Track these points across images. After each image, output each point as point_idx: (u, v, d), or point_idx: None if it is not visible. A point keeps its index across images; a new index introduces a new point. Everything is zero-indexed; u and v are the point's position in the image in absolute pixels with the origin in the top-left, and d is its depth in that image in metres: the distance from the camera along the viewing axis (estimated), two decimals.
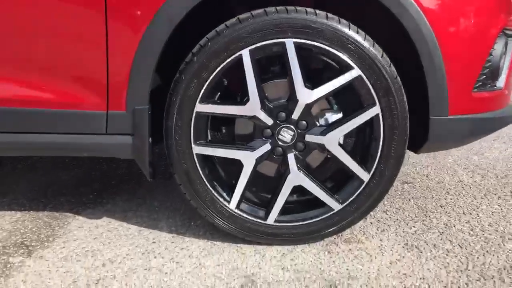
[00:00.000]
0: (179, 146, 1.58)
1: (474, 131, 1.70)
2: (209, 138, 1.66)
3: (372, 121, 1.56)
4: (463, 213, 1.93)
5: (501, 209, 1.96)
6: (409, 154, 2.54)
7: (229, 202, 1.62)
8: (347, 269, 1.52)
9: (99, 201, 2.08)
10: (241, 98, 1.69)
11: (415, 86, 1.60)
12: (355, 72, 1.52)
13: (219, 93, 1.63)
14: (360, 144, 1.69)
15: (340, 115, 1.64)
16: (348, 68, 1.52)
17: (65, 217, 1.91)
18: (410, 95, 1.59)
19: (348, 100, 1.62)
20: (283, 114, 1.58)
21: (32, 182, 2.30)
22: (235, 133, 1.70)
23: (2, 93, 1.55)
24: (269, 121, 1.57)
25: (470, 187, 2.21)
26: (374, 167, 1.58)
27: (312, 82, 1.56)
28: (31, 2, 1.50)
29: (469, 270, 1.51)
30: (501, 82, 1.75)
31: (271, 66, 1.76)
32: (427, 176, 2.37)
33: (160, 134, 1.63)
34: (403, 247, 1.65)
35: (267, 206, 1.64)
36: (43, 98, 1.55)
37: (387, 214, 1.92)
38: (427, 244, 1.66)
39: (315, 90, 1.54)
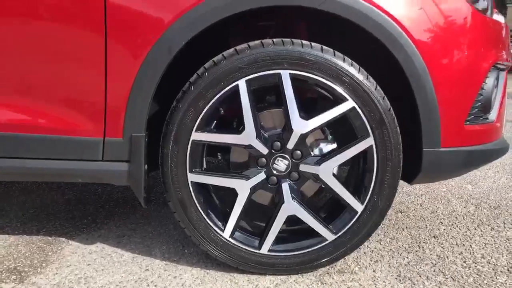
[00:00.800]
0: (174, 174, 1.59)
1: (467, 164, 1.72)
2: (205, 165, 1.67)
3: (366, 152, 1.58)
4: (456, 244, 1.93)
5: (494, 240, 1.97)
6: (403, 183, 2.55)
7: (223, 230, 1.62)
8: None
9: (93, 225, 2.08)
10: (237, 125, 1.71)
11: (408, 118, 1.62)
12: (349, 104, 1.54)
13: (215, 121, 1.65)
14: (354, 174, 1.70)
15: (334, 145, 1.66)
16: (343, 99, 1.54)
17: (59, 242, 1.90)
18: (403, 127, 1.61)
19: (343, 131, 1.64)
20: (278, 144, 1.60)
21: (26, 204, 2.29)
22: (231, 161, 1.71)
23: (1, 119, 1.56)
24: (264, 150, 1.59)
25: (463, 218, 2.22)
26: (368, 198, 1.60)
27: (307, 111, 1.58)
28: (27, 23, 1.51)
29: None
30: (493, 115, 1.78)
31: (267, 94, 1.79)
32: (421, 205, 2.38)
33: (155, 160, 1.64)
34: (396, 278, 1.65)
35: (261, 235, 1.64)
36: (40, 124, 1.56)
37: (380, 244, 1.92)
38: (420, 276, 1.67)
39: (310, 120, 1.56)
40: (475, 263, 1.77)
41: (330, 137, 1.68)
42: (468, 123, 1.66)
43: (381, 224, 2.05)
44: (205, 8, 1.49)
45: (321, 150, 1.65)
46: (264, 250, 1.63)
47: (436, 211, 2.31)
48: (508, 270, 1.71)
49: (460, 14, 1.61)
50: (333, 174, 1.60)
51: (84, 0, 1.48)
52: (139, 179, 1.60)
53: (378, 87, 1.56)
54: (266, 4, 1.50)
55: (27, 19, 1.51)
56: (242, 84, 1.54)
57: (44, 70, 1.53)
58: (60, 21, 1.51)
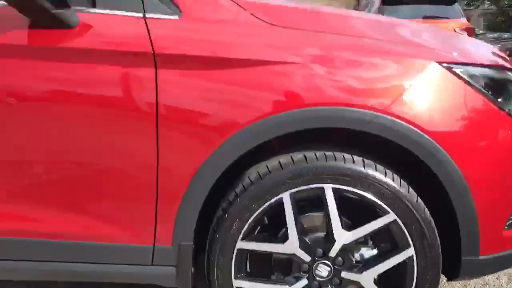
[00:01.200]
0: (220, 281, 1.66)
1: (505, 265, 1.76)
2: (248, 269, 1.73)
3: (406, 260, 1.63)
4: None
5: None
6: None
7: None
8: None
9: None
10: (279, 228, 1.75)
11: (447, 226, 1.66)
12: (391, 216, 1.59)
13: (258, 227, 1.71)
14: (394, 276, 1.75)
15: (375, 251, 1.70)
16: (384, 212, 1.59)
17: None
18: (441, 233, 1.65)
19: (384, 238, 1.68)
20: (320, 251, 1.65)
21: None
22: (273, 261, 1.75)
23: (57, 228, 1.65)
24: (307, 258, 1.64)
25: None
26: None
27: (348, 216, 1.64)
28: (89, 132, 1.60)
29: None
30: None
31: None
32: None
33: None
34: None
35: None
36: (98, 233, 1.64)
37: None
38: None
39: (352, 232, 1.61)
40: None
41: (370, 242, 1.73)
42: (506, 228, 1.70)
43: None
44: (257, 129, 1.56)
45: (362, 255, 1.70)
46: None
47: (468, 284, 2.33)
48: None
49: (494, 123, 1.66)
50: (374, 281, 1.65)
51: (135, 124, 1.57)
52: (186, 282, 1.68)
53: (419, 199, 1.61)
54: (312, 126, 1.56)
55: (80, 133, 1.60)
56: (286, 197, 1.60)
57: (102, 186, 1.62)
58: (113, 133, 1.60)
